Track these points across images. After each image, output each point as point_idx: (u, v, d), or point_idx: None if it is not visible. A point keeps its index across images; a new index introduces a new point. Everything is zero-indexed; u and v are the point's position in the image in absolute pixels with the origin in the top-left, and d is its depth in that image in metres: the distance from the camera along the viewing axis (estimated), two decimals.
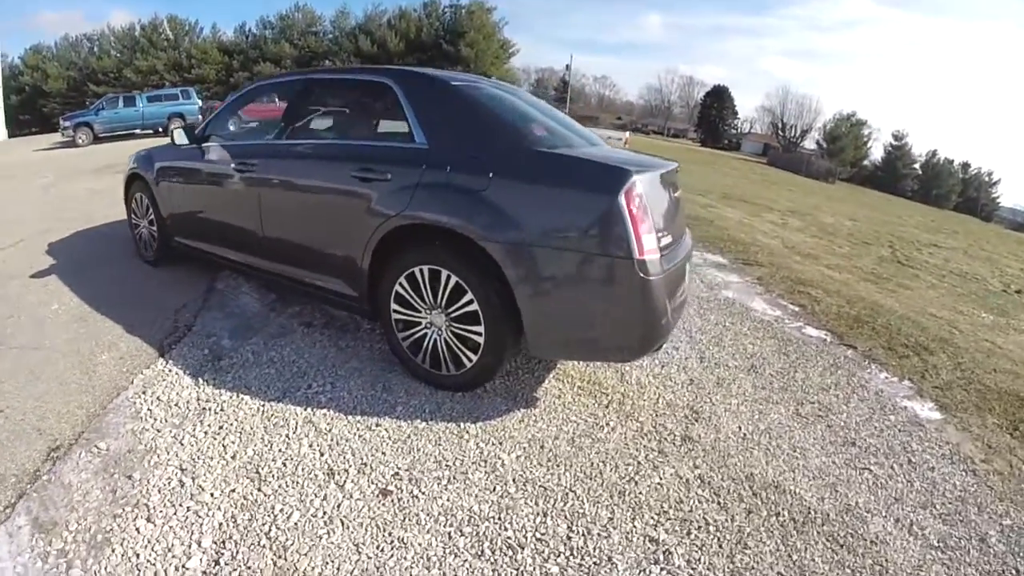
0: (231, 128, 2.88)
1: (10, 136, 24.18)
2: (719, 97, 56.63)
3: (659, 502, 1.63)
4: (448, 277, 1.94)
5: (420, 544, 1.42)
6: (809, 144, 51.61)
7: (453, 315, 1.98)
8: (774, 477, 1.80)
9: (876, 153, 51.33)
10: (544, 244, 1.77)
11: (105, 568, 1.34)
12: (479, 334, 1.94)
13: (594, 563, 1.39)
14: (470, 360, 2.01)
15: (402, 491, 1.61)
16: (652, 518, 1.56)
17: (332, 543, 1.42)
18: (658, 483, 1.71)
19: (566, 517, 1.54)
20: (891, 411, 2.34)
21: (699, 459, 1.86)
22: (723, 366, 2.62)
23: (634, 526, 1.52)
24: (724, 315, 3.37)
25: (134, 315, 2.83)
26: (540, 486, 1.66)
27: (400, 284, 2.06)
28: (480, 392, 2.16)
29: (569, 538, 1.46)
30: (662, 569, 1.39)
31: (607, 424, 2.03)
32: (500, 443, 1.85)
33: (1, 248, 4.12)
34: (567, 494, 1.63)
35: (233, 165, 2.62)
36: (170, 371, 2.31)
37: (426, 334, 2.09)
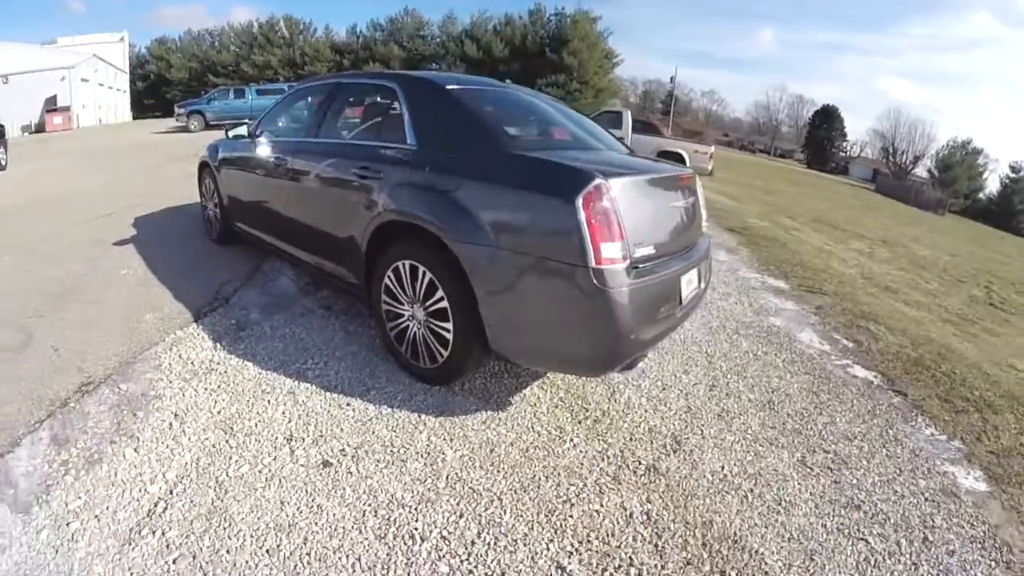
0: (279, 125, 3.32)
1: (135, 118, 29.27)
2: (828, 117, 55.87)
3: (587, 530, 1.57)
4: (424, 273, 2.07)
5: (334, 515, 1.55)
6: (920, 172, 50.79)
7: (429, 310, 2.10)
8: (738, 530, 1.65)
9: (992, 185, 48.00)
10: (504, 247, 1.82)
11: (91, 479, 1.66)
12: (448, 331, 2.04)
13: (485, 573, 1.40)
14: (442, 356, 2.11)
15: (341, 466, 1.76)
16: (571, 545, 1.52)
17: (263, 496, 1.61)
18: (596, 510, 1.66)
19: (480, 523, 1.56)
20: (924, 474, 2.03)
21: (656, 494, 1.77)
22: (734, 397, 2.45)
23: (547, 548, 1.49)
24: (759, 343, 3.15)
25: (186, 284, 3.36)
26: (470, 487, 1.70)
27: (388, 276, 2.23)
28: (457, 388, 2.25)
29: (473, 543, 1.48)
30: None
31: (571, 440, 2.00)
32: (451, 439, 1.92)
33: (95, 218, 5.08)
34: (493, 501, 1.65)
35: (272, 159, 3.03)
36: (197, 334, 2.71)
37: (408, 326, 2.24)
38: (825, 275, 4.94)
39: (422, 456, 1.83)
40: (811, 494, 1.86)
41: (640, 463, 1.92)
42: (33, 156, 11.30)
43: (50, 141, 16.39)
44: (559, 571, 1.42)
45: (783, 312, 3.80)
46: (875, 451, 2.17)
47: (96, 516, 1.53)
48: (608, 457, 1.93)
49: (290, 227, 2.97)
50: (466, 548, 1.46)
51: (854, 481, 1.95)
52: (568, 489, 1.74)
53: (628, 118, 10.16)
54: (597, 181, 1.71)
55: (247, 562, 1.39)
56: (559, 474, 1.81)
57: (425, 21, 38.82)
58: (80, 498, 1.60)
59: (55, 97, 21.62)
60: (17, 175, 8.68)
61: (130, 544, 1.43)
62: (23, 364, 2.35)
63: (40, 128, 20.88)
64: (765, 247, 5.92)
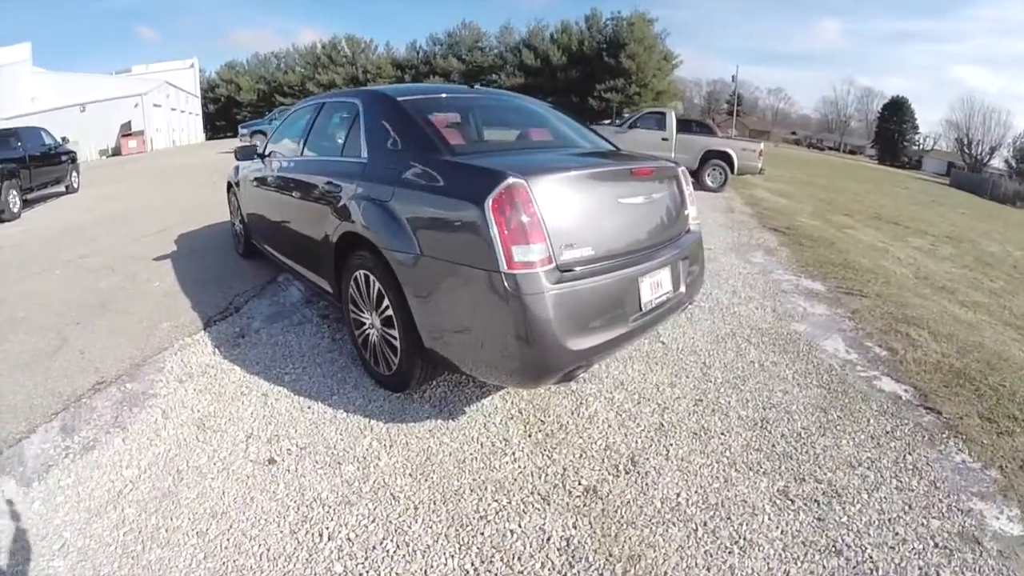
0: (279, 145, 3.74)
1: (208, 139, 32.63)
2: (898, 110, 56.19)
3: (494, 550, 1.61)
4: (374, 282, 2.26)
5: (262, 508, 1.78)
6: (998, 163, 49.95)
7: (382, 318, 2.29)
8: (670, 570, 1.57)
9: None
10: (427, 253, 1.93)
11: (82, 462, 2.06)
12: (396, 338, 2.23)
13: None
14: (394, 363, 2.31)
15: (284, 464, 2.00)
16: (471, 563, 1.57)
17: (210, 486, 1.89)
18: (511, 530, 1.69)
19: (389, 529, 1.69)
20: (941, 512, 1.81)
21: (586, 519, 1.75)
22: (720, 414, 2.36)
23: (444, 563, 1.57)
24: (771, 352, 3.00)
25: (205, 295, 3.88)
26: (391, 493, 1.84)
27: (352, 286, 2.46)
28: (416, 396, 2.42)
29: (374, 548, 1.62)
30: None
31: (512, 454, 2.06)
32: (391, 446, 2.09)
33: (144, 235, 5.89)
34: (409, 509, 1.77)
35: (270, 177, 3.47)
36: (203, 340, 3.16)
37: (369, 334, 2.46)
38: (871, 275, 4.71)
39: (358, 460, 2.01)
40: (782, 533, 1.72)
41: (580, 483, 1.91)
42: (105, 178, 13.20)
43: (124, 164, 18.99)
44: None
45: (810, 317, 3.61)
46: (882, 482, 1.95)
47: (77, 493, 1.90)
48: (546, 475, 1.95)
49: (286, 240, 3.37)
50: (366, 552, 1.60)
51: (844, 519, 1.77)
52: (489, 505, 1.80)
53: (672, 118, 10.21)
54: (509, 182, 1.74)
55: (179, 540, 1.66)
56: (486, 488, 1.87)
57: (483, 33, 41.11)
58: (70, 477, 1.99)
59: (130, 123, 25.02)
60: (87, 197, 10.21)
61: (96, 517, 1.78)
62: (54, 365, 2.88)
63: (116, 152, 24.14)
64: (809, 247, 5.68)
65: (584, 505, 1.82)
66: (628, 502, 1.85)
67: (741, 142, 10.67)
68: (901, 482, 1.98)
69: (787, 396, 2.56)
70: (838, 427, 2.31)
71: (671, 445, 2.16)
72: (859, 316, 3.66)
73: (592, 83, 34.30)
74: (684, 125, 10.79)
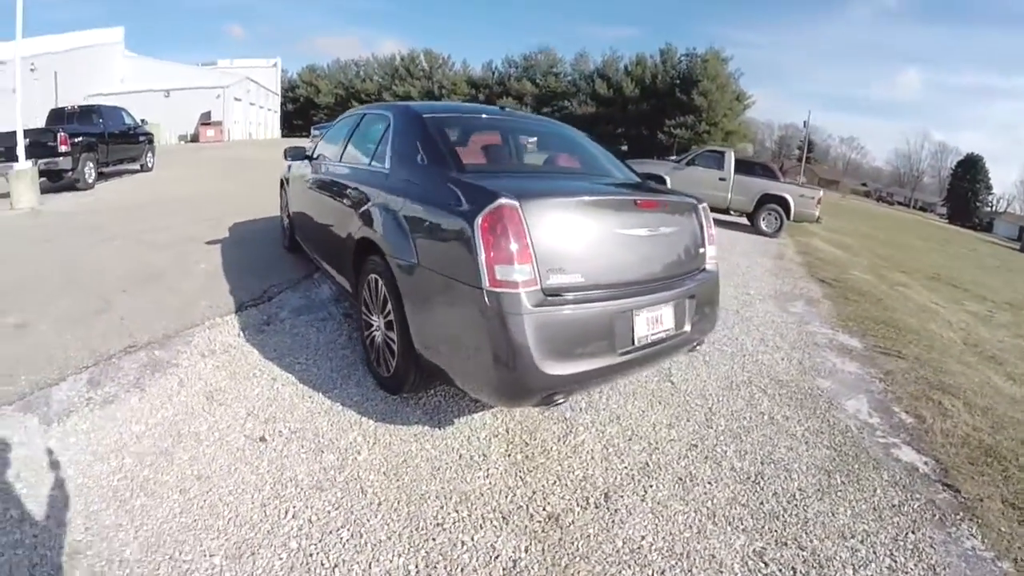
0: (324, 149, 4.05)
1: (283, 136, 34.88)
2: (972, 168, 55.37)
3: (440, 557, 1.67)
4: (381, 287, 2.43)
5: (242, 479, 1.94)
6: None
7: (385, 321, 2.45)
8: None
9: None
10: (424, 264, 2.07)
11: (100, 412, 2.31)
12: (395, 342, 2.37)
13: (322, 562, 1.64)
14: (392, 366, 2.44)
15: (273, 443, 2.15)
16: (416, 564, 1.64)
17: (203, 451, 2.07)
18: (463, 541, 1.74)
19: (348, 518, 1.79)
20: None
21: (539, 545, 1.76)
22: (712, 462, 2.32)
23: (391, 559, 1.67)
24: (785, 405, 2.93)
25: (244, 281, 4.21)
26: (361, 486, 1.94)
27: (364, 288, 2.65)
28: (412, 400, 2.54)
29: (330, 533, 1.72)
30: None
31: (487, 470, 2.11)
32: (373, 443, 2.21)
33: (204, 219, 6.43)
34: (373, 503, 1.87)
35: (312, 179, 3.78)
36: (230, 322, 3.44)
37: (375, 336, 2.62)
38: (914, 337, 4.57)
39: (339, 451, 2.14)
40: None
41: (545, 509, 1.94)
42: (180, 162, 14.43)
43: (200, 150, 20.69)
44: None
45: (837, 374, 3.50)
46: (873, 559, 1.85)
47: (88, 438, 2.14)
48: (514, 495, 1.99)
49: (319, 239, 3.65)
50: (322, 535, 1.71)
51: None
52: (449, 514, 1.86)
53: (731, 158, 10.32)
54: (500, 202, 1.84)
55: (162, 493, 1.84)
56: (451, 498, 1.94)
57: (558, 59, 42.78)
58: (86, 424, 2.24)
59: (209, 112, 27.38)
60: (159, 177, 11.22)
61: (98, 461, 1.99)
62: (95, 325, 3.22)
63: (195, 138, 26.36)
64: (854, 301, 5.54)
65: (542, 531, 1.84)
66: (588, 536, 1.85)
67: (799, 188, 10.54)
68: (895, 562, 1.87)
69: (791, 453, 2.48)
70: (839, 493, 2.22)
71: (651, 487, 2.14)
72: (891, 378, 3.53)
73: (662, 118, 34.74)
74: (746, 167, 10.80)
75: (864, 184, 65.72)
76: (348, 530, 1.74)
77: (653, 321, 2.20)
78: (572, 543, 1.81)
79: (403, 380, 2.40)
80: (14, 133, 7.67)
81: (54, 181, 8.68)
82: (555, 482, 2.11)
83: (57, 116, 10.47)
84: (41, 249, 5.05)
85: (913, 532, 2.03)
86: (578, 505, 1.99)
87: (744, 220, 10.47)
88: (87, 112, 10.62)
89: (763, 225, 9.92)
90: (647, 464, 2.30)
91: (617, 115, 37.31)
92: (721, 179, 10.18)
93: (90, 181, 9.19)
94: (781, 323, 4.49)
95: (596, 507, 1.99)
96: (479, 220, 1.85)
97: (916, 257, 12.79)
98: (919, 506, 2.19)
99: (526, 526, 1.86)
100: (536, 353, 1.81)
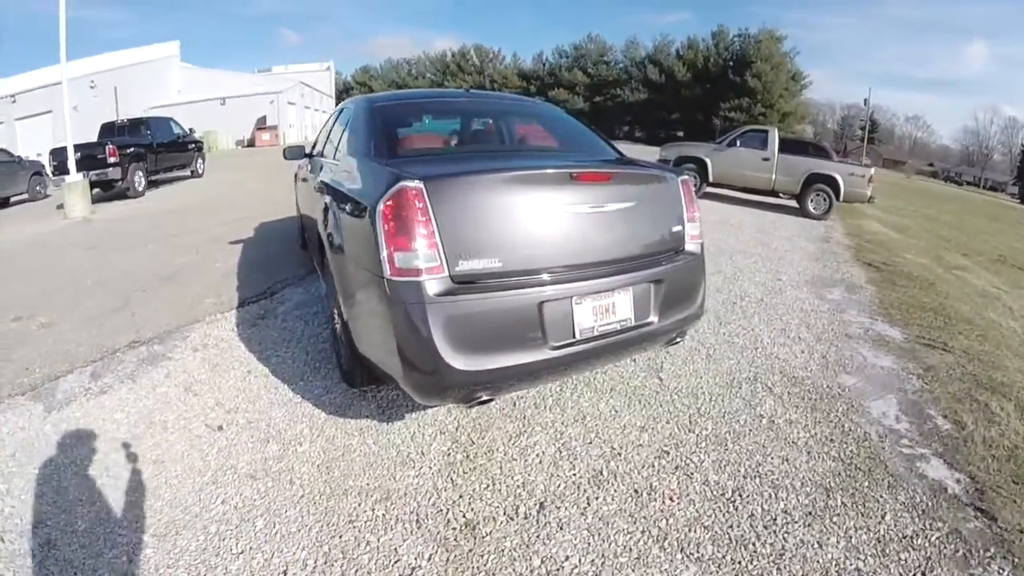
0: (316, 145, 4.26)
1: None
2: None
3: (340, 553, 1.74)
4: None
5: (190, 465, 2.19)
6: None
7: (339, 314, 2.55)
8: None
9: None
10: (348, 254, 2.13)
11: (94, 402, 2.68)
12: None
13: (231, 546, 1.80)
14: (345, 358, 2.56)
15: (227, 432, 2.39)
16: (315, 558, 1.74)
17: (165, 438, 2.37)
18: (367, 540, 1.80)
19: (270, 508, 1.94)
20: None
21: (446, 554, 1.75)
22: (683, 473, 2.17)
23: (294, 552, 1.80)
24: (792, 407, 2.68)
25: (252, 278, 4.56)
26: (291, 477, 2.10)
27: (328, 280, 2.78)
28: (371, 394, 2.66)
29: (248, 520, 1.89)
30: None
31: (420, 469, 2.15)
32: (318, 436, 2.36)
33: (236, 220, 6.93)
34: (297, 495, 2.01)
35: (302, 179, 4.02)
36: (229, 318, 3.76)
37: (336, 328, 2.74)
38: (966, 326, 4.18)
39: (283, 442, 2.32)
40: None
41: (465, 516, 1.92)
42: (231, 166, 15.59)
43: (253, 155, 22.15)
44: (281, 574, 1.68)
45: (867, 370, 3.16)
46: None
47: (77, 424, 2.51)
48: (439, 498, 2.01)
49: (308, 234, 3.89)
50: (240, 522, 1.88)
51: None
52: (364, 512, 1.93)
53: (775, 137, 10.06)
54: (400, 185, 1.80)
55: (118, 474, 2.14)
56: (373, 496, 2.01)
57: (608, 47, 42.99)
58: (79, 412, 2.61)
59: (264, 117, 29.15)
60: (207, 182, 12.23)
61: (79, 443, 2.34)
62: (108, 322, 3.64)
63: (251, 143, 28.18)
64: (901, 287, 5.05)
65: (454, 540, 1.82)
66: (503, 551, 1.78)
67: (849, 166, 9.98)
68: None
69: (784, 466, 2.23)
70: (835, 518, 1.95)
71: (597, 499, 2.03)
72: (932, 375, 3.13)
73: (717, 102, 34.38)
74: (794, 146, 10.42)
75: (931, 164, 63.13)
76: (264, 519, 1.90)
77: (602, 311, 2.07)
78: (482, 556, 1.77)
79: (352, 374, 2.52)
80: (65, 148, 8.57)
81: (106, 191, 9.72)
82: (488, 487, 2.09)
83: (108, 129, 11.76)
84: (82, 255, 5.72)
85: (925, 568, 1.75)
86: (505, 514, 1.95)
87: (794, 203, 9.97)
88: (136, 124, 11.74)
89: (811, 207, 9.53)
90: (601, 473, 2.18)
91: (670, 101, 37.07)
92: (765, 159, 9.87)
93: (140, 189, 10.18)
94: (811, 311, 4.17)
95: (525, 518, 1.93)
96: (380, 206, 1.84)
97: (981, 239, 11.77)
98: (938, 538, 1.88)
99: (438, 532, 1.86)
100: (441, 346, 1.78)
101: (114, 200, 10.05)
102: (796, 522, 1.92)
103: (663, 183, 2.42)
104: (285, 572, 1.68)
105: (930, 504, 2.04)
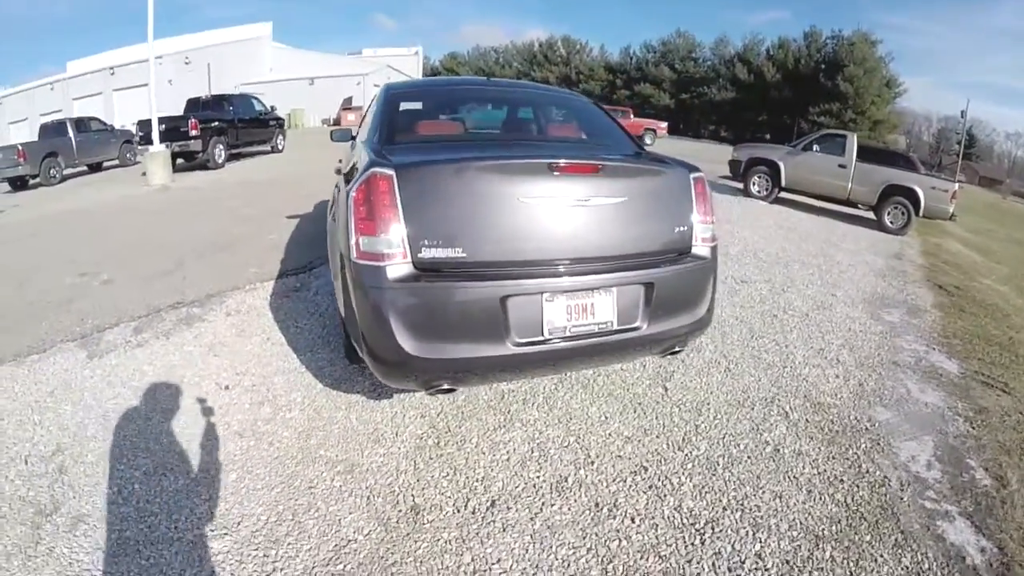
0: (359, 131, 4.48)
1: None
2: None
3: (291, 516, 1.89)
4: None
5: (192, 418, 2.44)
6: None
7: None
8: None
9: None
10: (335, 237, 2.26)
11: (130, 354, 3.07)
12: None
13: (202, 504, 2.01)
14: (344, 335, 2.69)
15: (232, 391, 2.65)
16: (268, 519, 1.89)
17: (178, 391, 2.66)
18: (317, 507, 1.93)
19: (244, 468, 2.13)
20: None
21: (384, 533, 1.82)
22: (655, 494, 2.07)
23: (252, 510, 1.96)
24: (807, 437, 2.46)
25: (297, 252, 4.91)
26: (271, 440, 2.28)
27: None
28: (365, 371, 2.66)
29: (222, 477, 2.08)
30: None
31: (388, 449, 2.25)
32: (308, 404, 2.54)
33: (297, 197, 7.52)
34: (272, 456, 2.19)
35: (339, 159, 4.23)
36: (265, 287, 4.09)
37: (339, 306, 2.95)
38: None
39: (276, 407, 2.53)
40: None
41: (414, 500, 1.98)
42: (311, 143, 16.56)
43: None
44: (236, 524, 1.87)
45: (907, 404, 2.85)
46: None
47: (112, 372, 2.89)
48: (397, 479, 2.09)
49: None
50: (216, 472, 2.09)
51: None
52: (323, 480, 2.06)
53: (853, 143, 9.47)
54: (371, 172, 1.90)
55: (135, 419, 2.44)
56: (339, 467, 2.14)
57: (697, 43, 42.19)
58: (115, 361, 2.99)
59: (351, 98, 30.43)
60: (284, 158, 13.04)
61: (108, 388, 2.70)
62: (160, 283, 4.08)
63: (337, 122, 29.89)
64: (970, 315, 4.55)
65: (395, 521, 1.89)
66: (439, 540, 1.82)
67: (931, 179, 9.23)
68: None
69: (775, 503, 2.05)
70: (815, 574, 1.77)
71: (553, 506, 1.99)
72: (982, 419, 2.78)
73: (806, 105, 33.12)
74: (880, 156, 9.84)
75: None
76: (237, 474, 2.11)
77: (577, 310, 2.02)
78: (416, 542, 1.82)
79: (351, 350, 2.65)
80: (150, 121, 9.48)
81: (189, 161, 10.67)
82: (448, 475, 2.14)
83: (193, 104, 12.96)
84: (153, 220, 6.40)
85: None
86: (453, 506, 1.99)
87: (872, 215, 9.24)
88: (219, 100, 12.80)
89: (887, 220, 8.93)
90: (566, 479, 2.14)
91: (757, 102, 35.92)
92: (841, 166, 9.31)
93: (219, 161, 11.12)
94: (860, 332, 3.81)
95: (472, 513, 1.95)
96: (353, 191, 1.95)
97: None
98: None
99: (383, 511, 1.94)
100: (398, 331, 1.84)
101: (195, 170, 11.15)
102: (766, 570, 1.77)
103: (669, 179, 2.31)
104: (239, 523, 1.87)
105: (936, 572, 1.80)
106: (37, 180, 11.97)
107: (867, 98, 32.96)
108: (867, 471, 2.27)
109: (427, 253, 1.87)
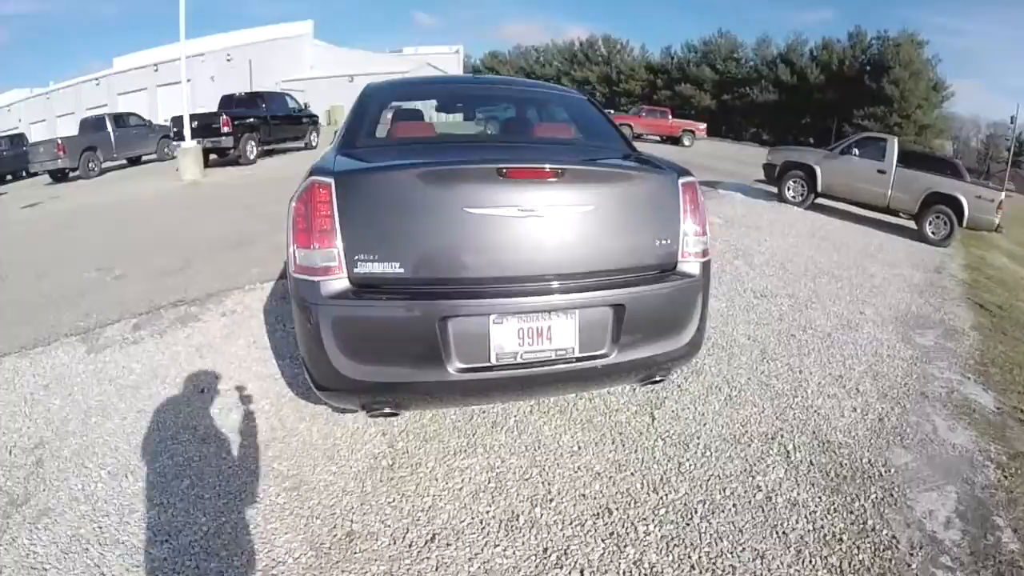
0: None
1: None
2: None
3: (232, 528, 1.92)
4: None
5: (165, 419, 2.56)
6: None
7: None
8: None
9: None
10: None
11: (124, 350, 3.27)
12: None
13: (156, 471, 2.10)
14: None
15: (206, 394, 2.77)
16: (208, 528, 1.94)
17: (157, 391, 2.81)
18: (256, 522, 1.95)
19: (202, 472, 2.20)
20: None
21: (315, 558, 1.81)
22: (615, 544, 1.95)
23: (197, 519, 2.00)
24: (808, 483, 2.27)
25: None
26: (232, 449, 2.36)
27: None
28: None
29: (178, 479, 2.17)
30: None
31: (340, 467, 2.24)
32: (279, 410, 2.61)
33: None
34: (227, 465, 2.25)
35: None
36: (264, 288, 4.26)
37: None
38: None
39: (243, 414, 2.60)
40: None
41: (352, 526, 1.94)
42: None
43: None
44: (177, 532, 1.93)
45: (932, 445, 2.59)
46: None
47: (104, 367, 3.10)
48: (340, 501, 2.06)
49: None
50: (175, 474, 2.19)
51: None
52: (270, 496, 2.08)
53: (894, 147, 9.22)
54: (310, 180, 1.85)
55: (112, 416, 2.58)
56: (287, 483, 2.15)
57: (739, 43, 42.10)
58: (109, 357, 3.20)
59: None
60: (317, 154, 13.14)
61: (96, 383, 2.90)
62: (167, 280, 4.30)
63: None
64: (1012, 339, 4.19)
65: (327, 547, 1.86)
66: (363, 573, 1.76)
67: (977, 187, 8.91)
68: None
69: (754, 564, 1.85)
70: None
71: (496, 547, 1.88)
72: (1017, 466, 2.49)
73: (850, 108, 32.37)
74: (923, 161, 9.69)
75: None
76: (190, 481, 2.19)
77: (531, 334, 1.88)
78: (343, 572, 1.77)
79: None
80: (182, 117, 9.89)
81: (221, 157, 11.05)
82: (393, 502, 2.08)
83: (227, 101, 13.55)
84: (176, 216, 6.72)
85: None
86: (391, 536, 1.91)
87: (913, 224, 8.86)
88: (253, 97, 13.29)
89: (928, 230, 8.69)
90: (518, 518, 2.03)
91: (800, 104, 35.43)
92: (880, 172, 9.07)
93: (251, 157, 11.54)
94: (886, 357, 3.51)
95: (408, 546, 1.88)
96: (294, 201, 1.91)
97: None
98: None
99: (319, 536, 1.91)
100: (330, 350, 1.80)
101: (228, 166, 11.64)
102: None
103: (649, 184, 2.12)
104: (180, 531, 1.95)
105: None
106: (76, 173, 12.80)
107: (913, 101, 32.36)
108: (873, 528, 2.04)
109: (363, 268, 1.79)
